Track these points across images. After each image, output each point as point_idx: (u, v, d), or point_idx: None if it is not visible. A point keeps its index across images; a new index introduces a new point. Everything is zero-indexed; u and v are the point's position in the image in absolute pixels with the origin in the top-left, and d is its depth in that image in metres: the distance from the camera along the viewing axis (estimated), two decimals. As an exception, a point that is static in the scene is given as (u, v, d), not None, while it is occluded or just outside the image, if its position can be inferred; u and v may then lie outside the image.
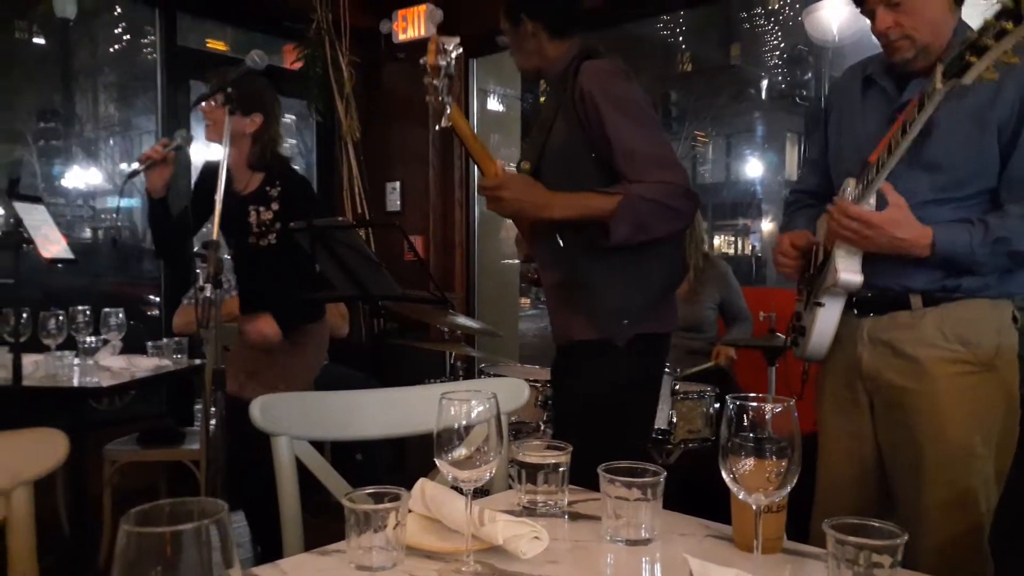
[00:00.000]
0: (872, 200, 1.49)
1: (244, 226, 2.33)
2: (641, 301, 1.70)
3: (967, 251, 1.42)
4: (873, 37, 1.58)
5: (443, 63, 1.55)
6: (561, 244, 1.72)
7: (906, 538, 0.78)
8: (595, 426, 1.63)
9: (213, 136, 2.29)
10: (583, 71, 1.66)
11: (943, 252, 1.43)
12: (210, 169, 2.40)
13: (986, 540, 1.52)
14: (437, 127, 1.61)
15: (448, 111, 1.58)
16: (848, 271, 1.52)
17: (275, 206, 2.33)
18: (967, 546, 1.50)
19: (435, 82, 1.57)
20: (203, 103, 2.16)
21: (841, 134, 1.69)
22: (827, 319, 1.61)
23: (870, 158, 1.48)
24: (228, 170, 2.37)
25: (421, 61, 1.58)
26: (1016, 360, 1.54)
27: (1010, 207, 1.44)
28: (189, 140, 2.26)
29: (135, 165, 2.24)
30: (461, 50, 1.56)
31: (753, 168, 12.18)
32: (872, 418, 1.61)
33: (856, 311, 1.60)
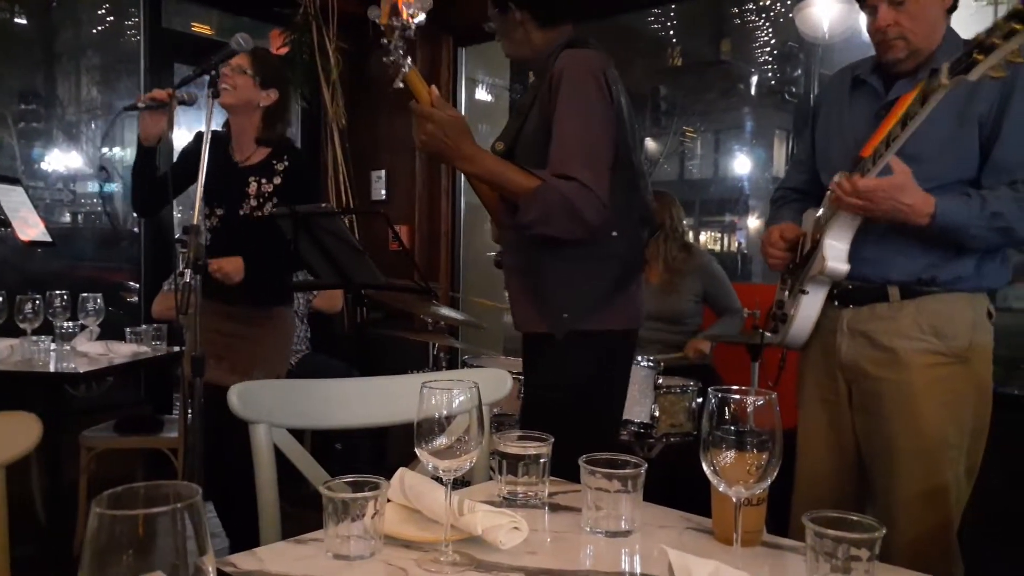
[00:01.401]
0: None
1: (240, 195, 2.34)
2: (587, 297, 1.66)
3: (965, 222, 1.45)
4: (863, 35, 1.62)
5: (397, 24, 1.51)
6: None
7: (884, 532, 0.79)
8: (550, 420, 1.59)
9: (228, 100, 2.29)
10: (561, 58, 1.64)
11: (943, 221, 1.45)
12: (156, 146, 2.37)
13: (955, 535, 1.55)
14: (391, 88, 1.56)
15: (405, 71, 1.54)
16: (835, 259, 1.57)
17: (277, 180, 2.35)
18: (937, 540, 1.53)
19: (387, 42, 1.54)
20: (227, 60, 2.11)
21: (829, 132, 1.74)
22: (810, 307, 1.65)
23: (862, 152, 1.52)
24: (229, 140, 2.40)
25: (376, 20, 1.55)
26: (990, 355, 1.59)
27: (1001, 188, 1.48)
28: (194, 98, 2.22)
29: (140, 102, 2.19)
30: (423, 16, 1.52)
31: (741, 164, 12.20)
32: (851, 409, 1.64)
33: (836, 302, 1.64)
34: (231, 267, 2.26)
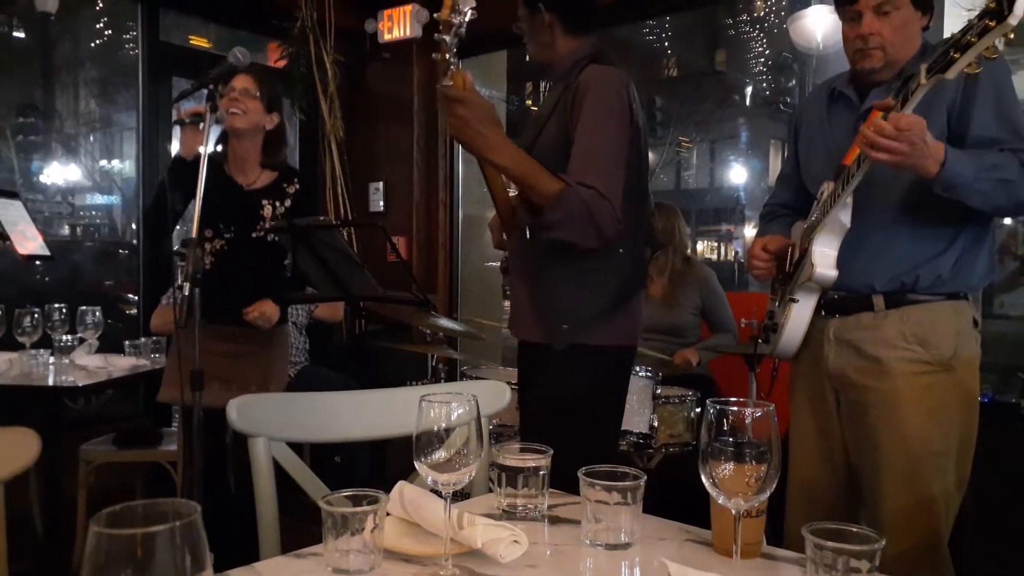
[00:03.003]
0: (850, 199, 1.55)
1: (253, 218, 2.35)
2: (588, 311, 1.66)
3: (972, 172, 1.42)
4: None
5: (456, 20, 1.52)
6: (528, 236, 1.70)
7: (883, 543, 0.79)
8: (546, 432, 1.56)
9: (241, 124, 2.31)
10: (586, 72, 1.65)
11: (952, 168, 1.41)
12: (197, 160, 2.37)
13: (946, 546, 1.55)
14: (439, 84, 1.55)
15: (452, 71, 1.53)
16: (824, 266, 1.58)
17: (288, 202, 2.39)
18: (927, 551, 1.53)
19: (445, 38, 1.54)
20: (225, 75, 2.12)
21: (811, 145, 1.77)
22: (800, 315, 1.66)
23: (844, 161, 1.55)
24: (231, 163, 2.40)
25: (435, 15, 1.55)
26: (976, 364, 1.59)
27: (988, 151, 1.48)
28: (222, 117, 2.23)
29: (183, 116, 2.20)
30: (475, 14, 1.53)
31: (737, 174, 12.27)
32: (839, 418, 1.65)
33: (823, 312, 1.66)
34: (271, 309, 2.29)
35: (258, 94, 2.32)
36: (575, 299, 1.67)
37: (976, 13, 1.28)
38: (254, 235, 2.35)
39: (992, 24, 1.24)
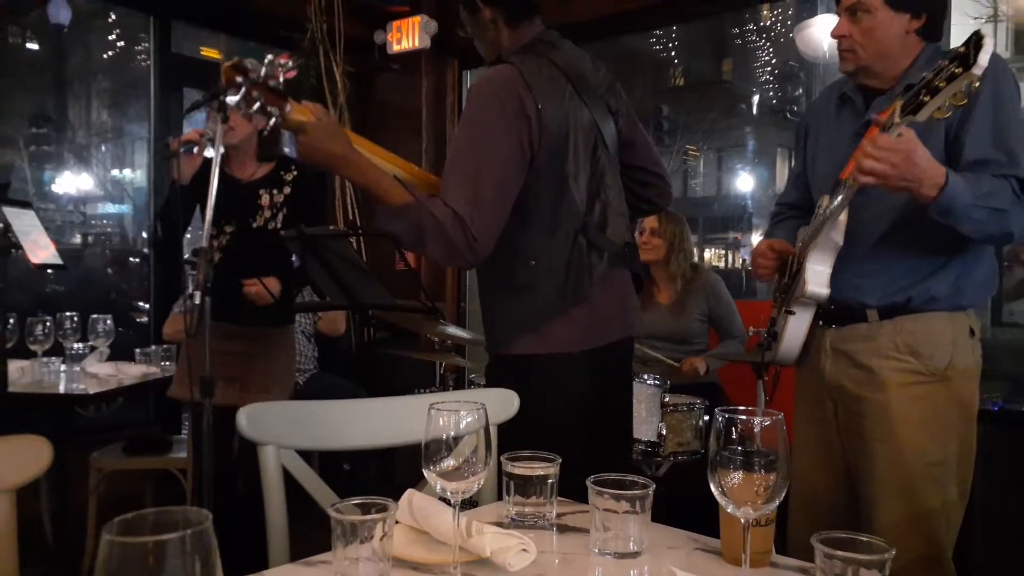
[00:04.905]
0: (843, 217, 1.53)
1: (252, 209, 2.38)
2: (508, 323, 1.62)
3: (970, 201, 1.38)
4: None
5: (240, 79, 1.50)
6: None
7: (893, 553, 0.79)
8: (512, 439, 1.43)
9: (231, 140, 2.34)
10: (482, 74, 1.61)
11: (951, 194, 1.36)
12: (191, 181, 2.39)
13: (949, 559, 1.54)
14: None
15: (275, 121, 1.49)
16: (816, 284, 1.58)
17: (287, 190, 2.41)
18: (930, 564, 1.51)
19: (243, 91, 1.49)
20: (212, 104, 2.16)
21: (817, 149, 1.76)
22: (797, 327, 1.65)
23: (841, 175, 1.53)
24: (230, 161, 2.42)
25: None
26: (973, 373, 1.57)
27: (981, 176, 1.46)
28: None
29: (176, 145, 2.22)
30: (293, 66, 1.53)
31: (744, 182, 12.27)
32: (838, 428, 1.64)
33: (821, 322, 1.65)
34: (270, 284, 2.28)
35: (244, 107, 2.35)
36: (496, 312, 1.67)
37: (980, 23, 1.27)
38: (255, 226, 2.37)
39: (959, 71, 1.24)
